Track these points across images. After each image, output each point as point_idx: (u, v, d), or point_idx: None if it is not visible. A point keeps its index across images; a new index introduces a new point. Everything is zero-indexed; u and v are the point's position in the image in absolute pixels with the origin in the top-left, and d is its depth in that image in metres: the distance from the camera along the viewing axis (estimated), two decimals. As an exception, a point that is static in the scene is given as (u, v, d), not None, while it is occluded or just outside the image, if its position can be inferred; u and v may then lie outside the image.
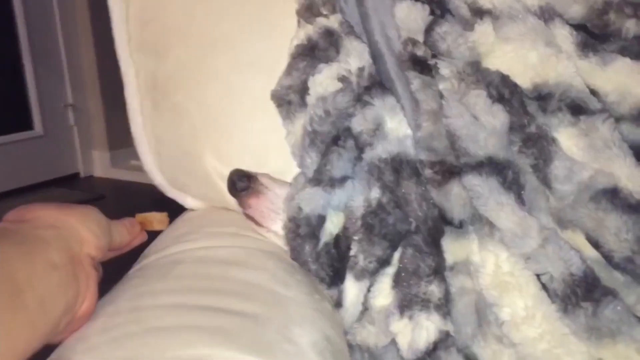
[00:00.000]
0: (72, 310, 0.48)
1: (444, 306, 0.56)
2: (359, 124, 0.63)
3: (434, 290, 0.56)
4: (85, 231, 0.51)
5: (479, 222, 0.57)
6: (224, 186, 0.76)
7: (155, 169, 0.81)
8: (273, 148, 0.75)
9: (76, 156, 3.58)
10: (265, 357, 0.45)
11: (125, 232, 0.58)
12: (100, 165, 3.62)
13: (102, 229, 0.53)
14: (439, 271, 0.56)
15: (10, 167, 3.20)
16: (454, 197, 0.58)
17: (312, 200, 0.62)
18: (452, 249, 0.57)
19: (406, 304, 0.56)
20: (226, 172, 0.76)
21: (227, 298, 0.53)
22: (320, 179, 0.62)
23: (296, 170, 0.69)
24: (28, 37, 3.26)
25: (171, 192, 0.82)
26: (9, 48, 3.29)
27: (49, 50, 3.39)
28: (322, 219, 0.62)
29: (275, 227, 0.67)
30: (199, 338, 0.45)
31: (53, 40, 3.41)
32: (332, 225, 0.63)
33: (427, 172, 0.59)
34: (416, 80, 0.61)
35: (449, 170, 0.58)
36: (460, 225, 0.58)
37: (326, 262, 0.61)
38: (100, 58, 3.46)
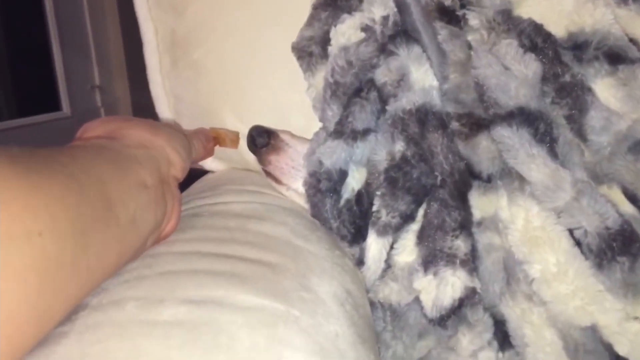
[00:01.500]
0: (159, 230, 0.49)
1: (471, 262, 0.53)
2: (383, 74, 0.60)
3: (460, 245, 0.53)
4: (173, 152, 0.52)
5: (508, 177, 0.54)
6: (244, 145, 0.74)
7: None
8: (294, 105, 0.73)
9: (103, 137, 3.61)
10: (281, 301, 0.43)
11: (201, 148, 0.60)
12: (126, 146, 3.65)
13: (186, 150, 0.54)
14: (465, 226, 0.54)
15: (41, 146, 3.24)
16: (482, 150, 0.55)
17: (334, 153, 0.59)
18: (480, 204, 0.55)
19: (431, 260, 0.53)
20: (246, 130, 0.74)
21: (244, 247, 0.51)
22: (342, 131, 0.60)
23: (317, 128, 0.67)
24: (56, 20, 3.29)
25: (191, 153, 0.81)
26: (37, 31, 3.33)
27: (77, 32, 3.41)
28: (343, 174, 0.60)
29: (296, 185, 0.65)
30: (212, 281, 0.43)
31: (80, 23, 3.43)
32: (354, 181, 0.60)
33: (454, 125, 0.56)
34: (444, 31, 0.58)
35: (477, 123, 0.55)
36: (489, 180, 0.55)
37: (347, 219, 0.59)
38: (127, 40, 3.48)
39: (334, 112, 0.62)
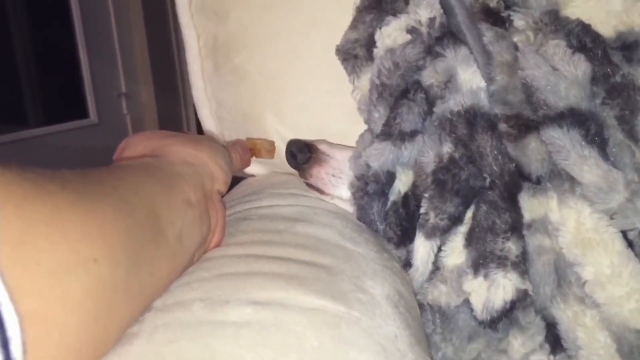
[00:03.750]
0: (205, 245, 0.50)
1: (522, 264, 0.53)
2: (430, 76, 0.60)
3: (511, 247, 0.53)
4: (215, 167, 0.53)
5: (558, 178, 0.54)
6: (283, 149, 0.75)
7: (216, 133, 0.81)
8: (335, 109, 0.73)
9: (129, 144, 3.65)
10: (341, 303, 0.43)
11: (238, 160, 0.61)
12: (152, 153, 3.69)
13: (227, 164, 0.55)
14: (516, 228, 0.53)
15: (67, 154, 3.30)
16: (532, 152, 0.54)
17: (382, 155, 0.59)
18: (530, 206, 0.54)
19: (481, 262, 0.53)
20: (288, 134, 0.75)
21: (297, 250, 0.51)
22: (389, 132, 0.60)
23: (358, 131, 0.68)
24: (83, 28, 3.34)
25: (232, 157, 0.81)
26: (65, 39, 3.38)
27: (103, 41, 3.47)
28: (391, 176, 0.60)
29: (339, 192, 0.66)
30: (272, 283, 0.43)
31: (107, 31, 3.48)
32: (401, 183, 0.60)
33: (503, 127, 0.56)
34: (489, 32, 0.58)
35: (526, 124, 0.55)
36: (538, 182, 0.55)
37: (394, 221, 0.59)
38: (153, 48, 3.53)
39: (380, 113, 0.62)
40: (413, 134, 0.60)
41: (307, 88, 0.74)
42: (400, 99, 0.61)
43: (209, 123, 0.80)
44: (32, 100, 3.54)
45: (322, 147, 0.67)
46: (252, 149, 0.66)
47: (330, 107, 0.74)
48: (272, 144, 0.70)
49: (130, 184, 0.40)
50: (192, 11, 0.78)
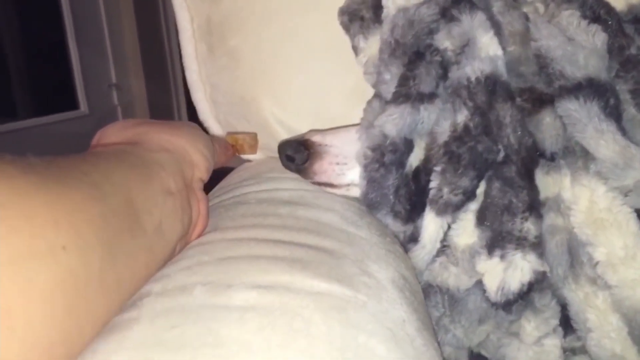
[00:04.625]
0: (186, 236, 0.47)
1: (540, 245, 0.51)
2: (444, 40, 0.57)
3: (530, 227, 0.50)
4: (196, 153, 0.50)
5: (571, 155, 0.52)
6: (282, 133, 0.73)
7: (210, 117, 0.78)
8: (334, 91, 0.71)
9: (120, 135, 3.63)
10: (348, 286, 0.41)
11: (221, 153, 0.57)
12: (143, 144, 3.66)
13: (209, 149, 0.52)
14: (534, 207, 0.51)
15: (57, 145, 3.26)
16: (546, 127, 0.52)
17: (400, 119, 0.55)
18: (544, 184, 0.52)
19: (496, 243, 0.51)
20: (285, 118, 0.73)
21: (299, 234, 0.50)
22: (407, 94, 0.55)
23: (358, 114, 0.65)
24: (73, 19, 3.30)
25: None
26: (54, 30, 3.34)
27: (93, 31, 3.42)
28: (409, 144, 0.56)
29: (349, 179, 0.61)
30: (276, 266, 0.42)
31: (97, 21, 3.44)
32: (413, 155, 0.57)
33: (517, 100, 0.54)
34: (498, 2, 0.56)
35: (540, 99, 0.53)
36: (552, 159, 0.53)
37: (404, 195, 0.56)
38: (143, 39, 3.49)
39: (391, 74, 0.57)
40: (431, 96, 0.56)
41: (305, 70, 0.72)
42: (417, 60, 0.57)
43: (203, 107, 0.78)
44: (22, 91, 3.50)
45: (316, 139, 0.62)
46: (234, 145, 0.62)
47: (329, 90, 0.72)
48: (254, 137, 0.65)
49: (103, 171, 0.38)
50: (186, -9, 0.76)
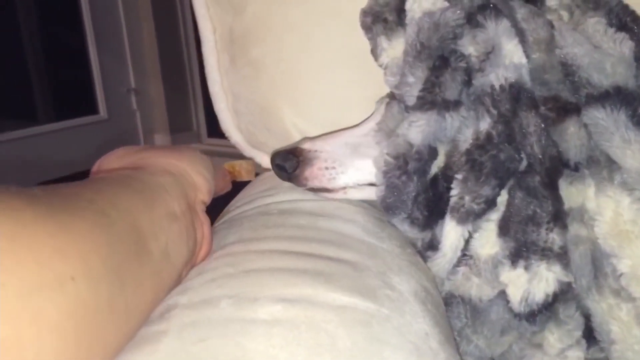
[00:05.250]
0: (192, 260, 0.47)
1: (565, 255, 0.51)
2: (469, 46, 0.56)
3: (555, 238, 0.50)
4: (197, 176, 0.50)
5: (596, 166, 0.52)
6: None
7: (232, 127, 0.79)
8: (353, 101, 0.72)
9: (139, 139, 3.66)
10: (370, 300, 0.42)
11: (219, 179, 0.56)
12: (161, 148, 3.69)
13: (209, 172, 0.52)
14: (559, 217, 0.51)
15: (77, 150, 3.30)
16: (570, 137, 0.52)
17: (427, 126, 0.54)
18: (567, 194, 0.52)
19: (521, 253, 0.51)
20: (305, 127, 0.74)
21: (321, 246, 0.50)
22: (433, 101, 0.55)
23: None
24: (92, 24, 3.35)
25: (249, 151, 0.80)
26: (74, 35, 3.39)
27: (113, 36, 3.47)
28: (433, 152, 0.55)
29: (342, 182, 0.61)
30: (299, 279, 0.42)
31: (116, 27, 3.48)
32: (433, 163, 0.57)
33: (541, 109, 0.53)
34: (523, 9, 0.55)
35: (564, 108, 0.52)
36: (576, 169, 0.52)
37: (423, 202, 0.56)
38: (162, 44, 3.53)
39: (415, 78, 0.56)
40: (457, 104, 0.55)
41: (325, 80, 0.73)
42: (442, 66, 0.56)
43: (225, 117, 0.79)
44: (42, 96, 3.55)
45: (307, 146, 0.62)
46: (232, 171, 0.62)
47: (348, 99, 0.72)
48: (251, 163, 0.65)
49: (107, 197, 0.38)
50: (208, 3, 0.77)
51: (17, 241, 0.28)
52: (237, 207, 0.65)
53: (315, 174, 0.61)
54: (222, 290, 0.41)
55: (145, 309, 0.39)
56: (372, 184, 0.61)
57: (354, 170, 0.61)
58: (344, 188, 0.62)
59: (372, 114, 0.66)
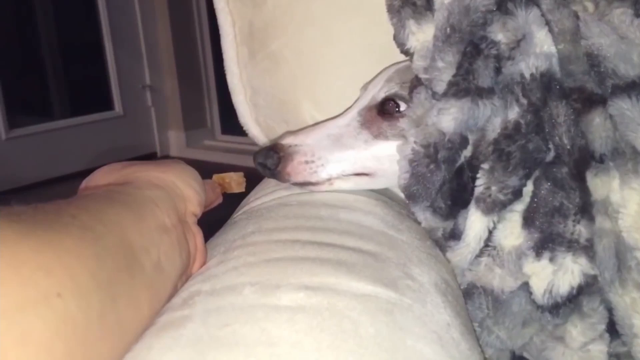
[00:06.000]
0: (187, 272, 0.47)
1: (591, 248, 0.50)
2: (498, 32, 0.55)
3: (582, 230, 0.50)
4: (187, 188, 0.49)
5: (621, 157, 0.51)
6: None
7: (250, 120, 0.80)
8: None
9: (153, 136, 3.69)
10: (392, 289, 0.42)
11: (209, 192, 0.56)
12: (176, 145, 3.71)
13: (199, 184, 0.51)
14: (586, 209, 0.50)
15: (93, 145, 3.34)
16: (596, 128, 0.51)
17: (460, 114, 0.53)
18: (593, 186, 0.51)
19: (546, 245, 0.50)
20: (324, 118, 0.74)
21: (341, 236, 0.50)
22: (467, 88, 0.53)
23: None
24: (109, 21, 3.38)
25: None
26: (90, 32, 3.42)
27: (128, 34, 3.50)
28: (464, 140, 0.55)
29: (323, 175, 0.61)
30: (321, 268, 0.42)
31: (132, 25, 3.52)
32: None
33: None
34: (547, 0, 0.55)
35: (590, 99, 0.52)
36: (601, 160, 0.52)
37: (447, 191, 0.55)
38: (177, 41, 3.55)
39: (445, 62, 0.55)
40: (490, 92, 0.54)
41: (345, 74, 0.73)
42: (474, 53, 0.55)
43: (243, 110, 0.79)
44: (58, 92, 3.59)
45: (287, 141, 0.61)
46: (222, 184, 0.61)
47: (368, 93, 0.72)
48: (241, 175, 0.65)
49: (93, 211, 0.37)
50: (228, -4, 0.77)
51: None
52: (257, 198, 0.65)
53: (296, 169, 0.60)
54: (245, 277, 0.41)
55: (141, 322, 0.38)
56: (358, 174, 0.62)
57: (336, 162, 0.61)
58: (329, 180, 0.61)
59: (355, 102, 0.66)
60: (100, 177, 0.48)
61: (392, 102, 0.62)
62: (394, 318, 0.38)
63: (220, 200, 0.61)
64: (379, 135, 0.62)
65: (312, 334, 0.34)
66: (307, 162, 0.60)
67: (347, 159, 0.61)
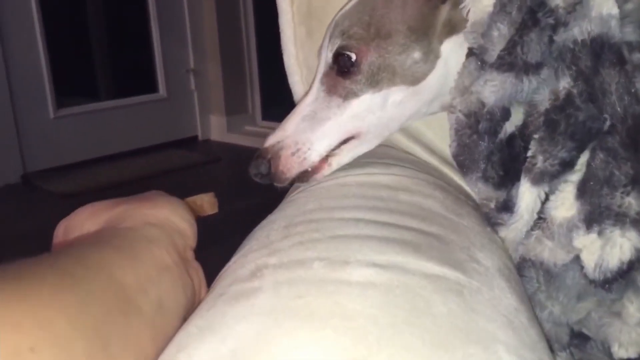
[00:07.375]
0: (193, 308, 0.45)
1: None
2: None
3: (632, 202, 0.47)
4: (181, 221, 0.47)
5: None
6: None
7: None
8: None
9: (195, 120, 3.73)
10: (459, 271, 0.41)
11: None
12: (217, 129, 3.75)
13: (189, 214, 0.50)
14: (638, 180, 0.48)
15: (136, 127, 3.40)
16: None
17: (501, 89, 0.52)
18: None
19: (595, 218, 0.48)
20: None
21: (404, 217, 0.49)
22: (513, 63, 0.52)
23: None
24: (156, 6, 3.43)
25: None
26: (138, 16, 3.48)
27: (175, 18, 3.54)
28: (506, 113, 0.54)
29: (315, 155, 0.60)
30: (388, 247, 0.42)
31: (179, 9, 3.56)
32: (509, 123, 0.55)
33: (637, 57, 0.50)
34: None
35: None
36: None
37: (497, 161, 0.54)
38: (222, 27, 3.57)
39: (499, 32, 0.53)
40: (538, 66, 0.52)
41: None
42: (530, 25, 0.53)
43: (299, 90, 0.78)
44: (105, 74, 3.66)
45: (270, 142, 0.61)
46: (194, 207, 0.56)
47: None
48: (212, 196, 0.63)
49: (73, 256, 0.36)
50: (287, -25, 0.76)
51: None
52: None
53: (287, 164, 0.60)
54: (313, 252, 0.40)
55: (146, 355, 0.37)
56: (345, 142, 0.61)
57: (320, 139, 0.60)
58: (325, 161, 0.61)
59: (315, 72, 0.64)
60: (85, 219, 0.46)
61: (344, 56, 0.60)
62: (465, 299, 0.38)
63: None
64: (347, 95, 0.60)
65: (386, 309, 0.34)
66: (293, 154, 0.59)
67: (329, 131, 0.60)
